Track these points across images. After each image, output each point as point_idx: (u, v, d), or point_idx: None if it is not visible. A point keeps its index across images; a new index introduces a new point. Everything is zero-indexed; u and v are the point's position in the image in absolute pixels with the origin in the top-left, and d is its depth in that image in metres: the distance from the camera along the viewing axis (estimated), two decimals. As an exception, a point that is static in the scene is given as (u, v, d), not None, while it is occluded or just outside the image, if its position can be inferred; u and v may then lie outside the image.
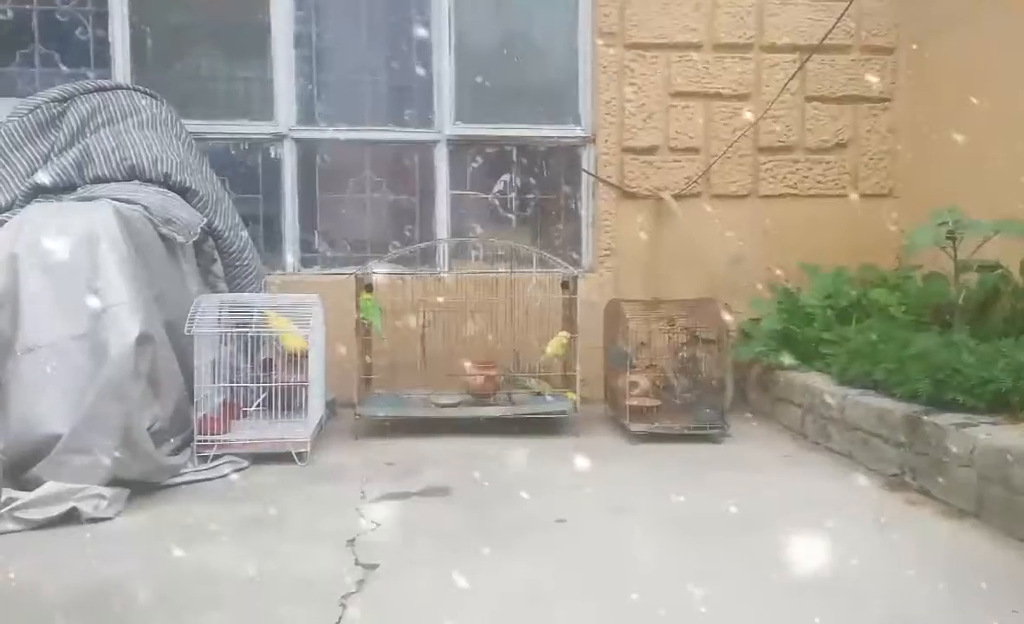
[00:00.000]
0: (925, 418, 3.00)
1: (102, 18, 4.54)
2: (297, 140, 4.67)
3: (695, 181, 4.71)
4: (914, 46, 4.70)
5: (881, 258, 4.60)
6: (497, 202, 4.85)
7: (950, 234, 3.52)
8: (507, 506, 2.86)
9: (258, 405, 3.59)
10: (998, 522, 2.59)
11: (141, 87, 4.23)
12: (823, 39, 4.65)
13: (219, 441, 3.36)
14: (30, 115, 3.96)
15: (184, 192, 3.89)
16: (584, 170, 4.80)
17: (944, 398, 3.08)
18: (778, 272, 4.64)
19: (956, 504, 2.79)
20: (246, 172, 4.67)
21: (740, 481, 3.17)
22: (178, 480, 3.11)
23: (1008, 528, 2.55)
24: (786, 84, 4.68)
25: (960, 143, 4.27)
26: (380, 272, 4.21)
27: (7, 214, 3.54)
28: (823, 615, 2.02)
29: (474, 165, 4.82)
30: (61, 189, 3.84)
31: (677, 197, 4.69)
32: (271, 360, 3.69)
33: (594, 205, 4.79)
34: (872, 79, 4.78)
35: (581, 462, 3.46)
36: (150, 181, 3.85)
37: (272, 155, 4.67)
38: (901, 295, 4.12)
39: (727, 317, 4.07)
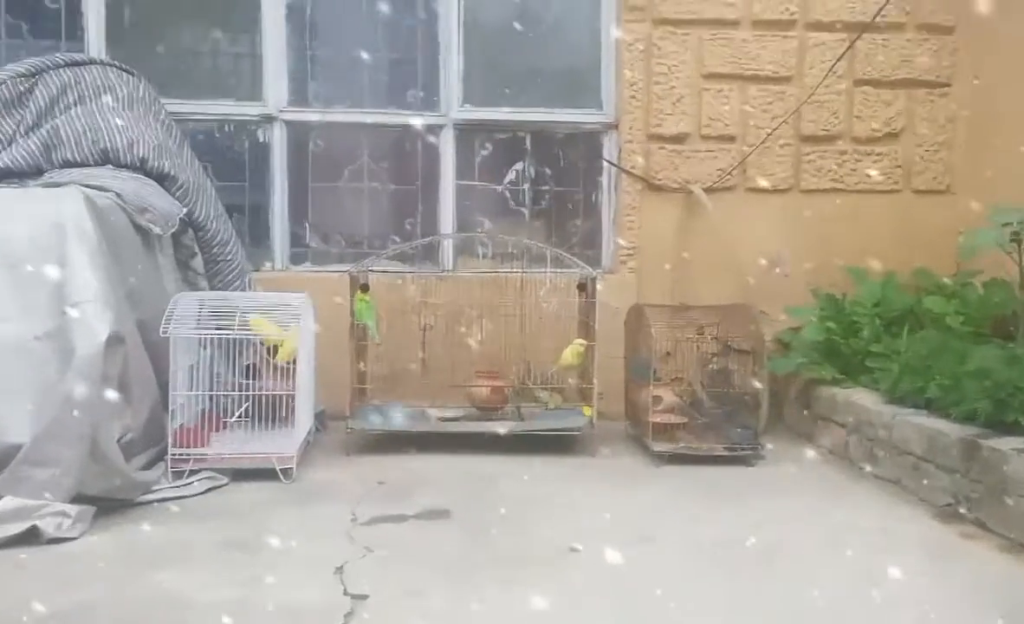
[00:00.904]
0: (983, 442, 2.96)
1: (75, -14, 4.57)
2: (288, 123, 4.69)
3: (729, 173, 4.69)
4: (976, 25, 4.66)
5: (937, 262, 4.55)
6: (508, 194, 4.85)
7: (1015, 236, 3.49)
8: (514, 532, 2.86)
9: (240, 416, 3.60)
10: (1065, 561, 2.56)
11: (117, 62, 4.26)
12: (875, 16, 4.62)
13: (196, 455, 3.37)
14: (-6, 92, 3.99)
15: (162, 179, 3.91)
16: (605, 159, 4.79)
17: (1005, 420, 3.04)
18: (837, 261, 4.59)
19: (1016, 538, 2.76)
20: (231, 157, 4.68)
21: (775, 509, 3.15)
22: (150, 497, 3.12)
23: (1076, 568, 2.51)
24: (832, 66, 4.65)
25: (1028, 134, 4.23)
26: (377, 270, 4.22)
27: (-32, 201, 3.57)
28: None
29: (483, 153, 4.82)
30: (26, 174, 3.87)
31: (709, 191, 4.67)
32: (255, 366, 3.70)
33: (616, 199, 4.77)
34: (928, 61, 4.75)
35: (597, 485, 3.45)
36: (125, 166, 3.87)
37: (260, 139, 4.69)
38: (959, 304, 4.08)
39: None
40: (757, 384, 3.94)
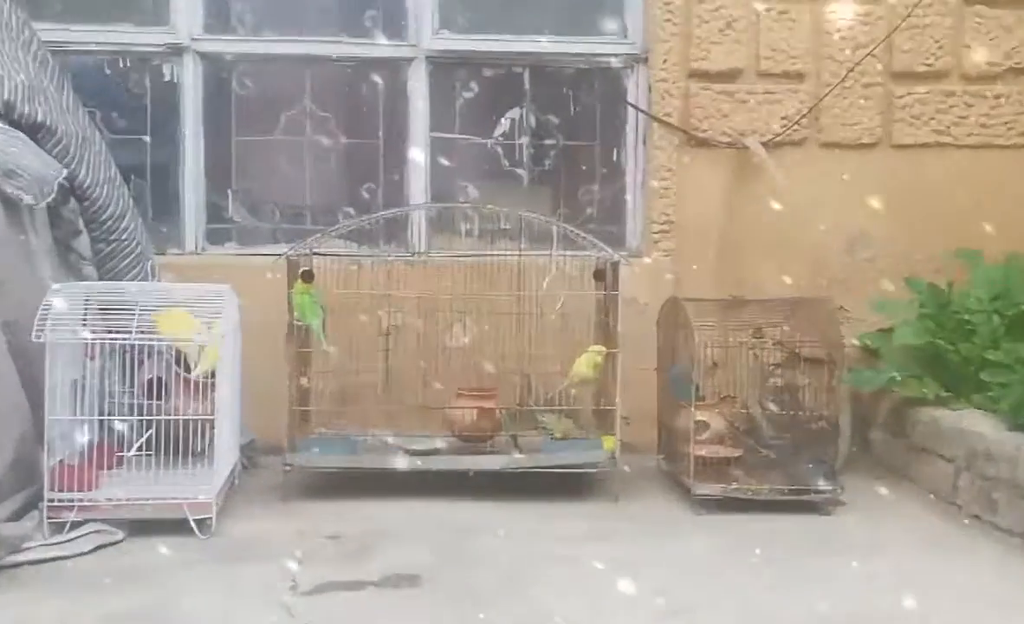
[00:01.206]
0: None
1: None
2: (204, 55, 4.68)
3: (797, 122, 4.69)
4: None
5: (1077, 241, 4.57)
6: (500, 151, 4.85)
7: None
8: (508, 604, 2.85)
9: (140, 448, 3.59)
10: None
11: (-28, -25, 4.25)
12: (991, -89, 4.64)
13: (82, 501, 3.35)
14: None
15: (34, 130, 3.90)
16: (631, 104, 4.79)
17: None
18: (941, 240, 4.60)
19: None
20: (128, 102, 4.68)
21: (859, 574, 3.15)
22: (20, 558, 3.11)
23: None
24: (935, -22, 4.68)
25: None
26: (325, 253, 4.21)
27: None
28: None
29: (467, 96, 4.82)
30: None
31: (770, 146, 4.67)
32: (161, 381, 3.69)
33: (645, 157, 4.78)
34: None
35: (620, 541, 3.46)
36: (-16, 114, 3.87)
37: (166, 77, 4.68)
38: (1106, 296, 4.10)
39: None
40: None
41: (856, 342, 4.48)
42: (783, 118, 4.70)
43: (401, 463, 3.96)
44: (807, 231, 4.63)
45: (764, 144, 4.67)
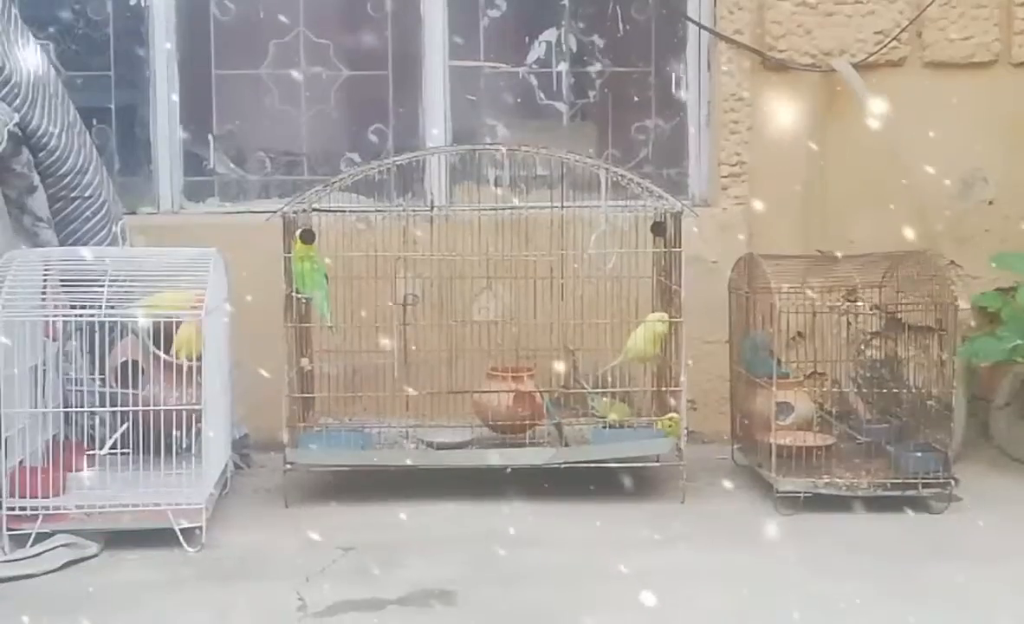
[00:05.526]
0: None
1: None
2: (177, -27, 4.71)
3: (896, 38, 4.66)
4: None
5: None
6: (535, 81, 4.84)
7: None
8: (557, 625, 2.89)
9: (114, 445, 3.62)
10: None
11: None
12: None
13: (47, 509, 3.39)
14: None
15: (-24, 69, 3.95)
16: (691, 20, 4.77)
17: None
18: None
19: None
20: (87, 33, 4.70)
21: (977, 590, 3.14)
22: (-25, 577, 3.17)
23: None
24: None
25: None
26: (327, 209, 4.22)
27: None
28: None
29: (492, 14, 4.82)
30: None
31: (863, 67, 4.64)
32: (136, 365, 3.72)
33: (711, 85, 4.76)
34: None
35: (688, 549, 3.47)
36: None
37: (133, 0, 4.70)
38: None
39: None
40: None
41: (971, 305, 4.47)
42: (878, 33, 4.67)
43: (423, 459, 4.00)
44: (910, 171, 4.60)
45: (856, 66, 4.65)
